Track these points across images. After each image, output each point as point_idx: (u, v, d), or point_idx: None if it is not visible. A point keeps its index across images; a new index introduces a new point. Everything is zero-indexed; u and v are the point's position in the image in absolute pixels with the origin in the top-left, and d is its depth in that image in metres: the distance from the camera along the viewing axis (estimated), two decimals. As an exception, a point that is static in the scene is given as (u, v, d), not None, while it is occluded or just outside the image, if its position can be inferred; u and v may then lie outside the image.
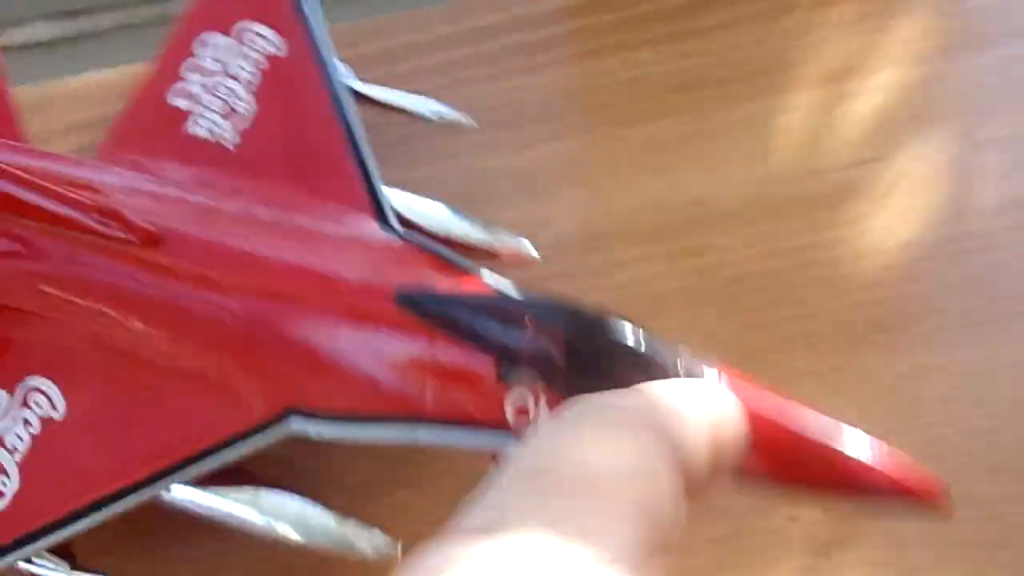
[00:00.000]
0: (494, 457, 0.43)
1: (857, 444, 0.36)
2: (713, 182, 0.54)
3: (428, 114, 0.53)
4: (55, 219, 0.45)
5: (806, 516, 0.44)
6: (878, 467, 0.36)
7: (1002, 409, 0.46)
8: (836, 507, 0.39)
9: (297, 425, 0.42)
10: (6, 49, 0.58)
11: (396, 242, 0.45)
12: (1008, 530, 0.44)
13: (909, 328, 0.49)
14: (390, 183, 0.47)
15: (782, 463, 0.36)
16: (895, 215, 0.52)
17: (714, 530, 0.45)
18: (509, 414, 0.39)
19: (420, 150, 0.54)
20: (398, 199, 0.47)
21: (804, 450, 0.36)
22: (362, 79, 0.52)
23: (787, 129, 0.55)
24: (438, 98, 0.53)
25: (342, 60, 0.52)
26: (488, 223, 0.47)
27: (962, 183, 0.53)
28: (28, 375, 0.45)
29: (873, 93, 0.56)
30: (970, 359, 0.48)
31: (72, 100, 0.59)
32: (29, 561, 0.42)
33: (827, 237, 0.52)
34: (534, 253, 0.47)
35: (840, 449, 0.36)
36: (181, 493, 0.42)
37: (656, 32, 0.60)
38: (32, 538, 0.42)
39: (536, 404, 0.39)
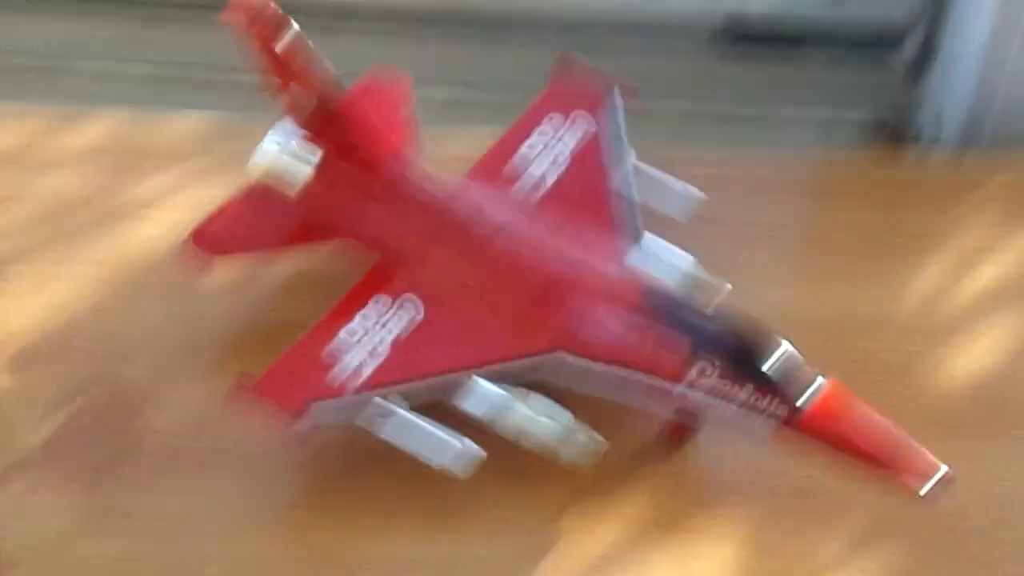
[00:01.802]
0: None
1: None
2: (854, 300, 0.76)
3: (679, 191, 0.75)
4: (440, 210, 0.71)
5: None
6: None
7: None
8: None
9: (563, 358, 0.65)
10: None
11: (634, 268, 0.68)
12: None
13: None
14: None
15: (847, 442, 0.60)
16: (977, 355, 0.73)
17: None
18: (692, 377, 0.63)
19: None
20: (652, 239, 0.70)
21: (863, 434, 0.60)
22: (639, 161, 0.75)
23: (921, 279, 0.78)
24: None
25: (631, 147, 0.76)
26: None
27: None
28: (407, 292, 0.68)
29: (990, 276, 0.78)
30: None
31: (453, 142, 0.82)
32: (385, 398, 0.64)
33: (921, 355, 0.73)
34: (728, 287, 0.68)
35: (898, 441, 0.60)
36: (481, 384, 0.64)
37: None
38: (392, 384, 0.65)
39: (710, 375, 0.62)
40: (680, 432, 0.68)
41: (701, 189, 0.76)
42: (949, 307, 0.76)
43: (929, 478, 0.60)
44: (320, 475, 0.68)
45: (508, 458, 0.65)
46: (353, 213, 0.73)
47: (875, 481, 0.61)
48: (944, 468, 0.60)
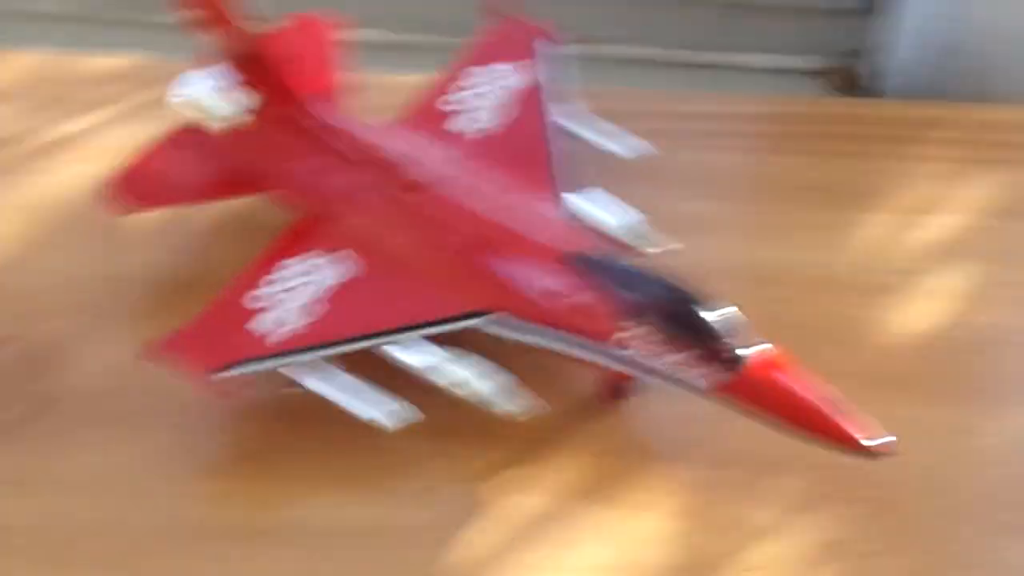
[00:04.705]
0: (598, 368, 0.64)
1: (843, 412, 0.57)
2: (795, 254, 0.75)
3: (616, 147, 0.74)
4: (366, 159, 0.68)
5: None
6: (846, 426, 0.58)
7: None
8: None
9: (495, 319, 0.63)
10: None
11: (568, 221, 0.66)
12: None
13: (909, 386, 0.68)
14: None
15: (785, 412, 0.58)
16: (919, 313, 0.72)
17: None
18: (624, 338, 0.60)
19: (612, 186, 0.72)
20: (594, 193, 0.68)
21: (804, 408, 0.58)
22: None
23: (864, 232, 0.76)
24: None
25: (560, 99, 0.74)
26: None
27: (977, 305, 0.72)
28: (333, 247, 0.65)
29: (937, 228, 0.76)
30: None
31: (388, 88, 0.79)
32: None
33: (862, 313, 0.71)
34: (678, 245, 0.67)
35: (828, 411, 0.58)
36: (410, 347, 0.62)
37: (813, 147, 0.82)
38: (318, 344, 0.62)
39: (642, 336, 0.60)
40: (616, 389, 0.66)
41: (644, 137, 0.75)
42: (891, 262, 0.75)
43: (869, 444, 0.58)
44: (241, 436, 0.66)
45: (438, 419, 0.63)
46: (279, 161, 0.70)
47: (814, 446, 0.59)
48: (886, 438, 0.58)
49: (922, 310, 0.72)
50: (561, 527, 0.62)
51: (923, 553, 0.61)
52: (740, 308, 0.61)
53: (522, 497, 0.63)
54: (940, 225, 0.77)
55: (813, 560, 0.61)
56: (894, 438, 0.58)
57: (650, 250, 0.68)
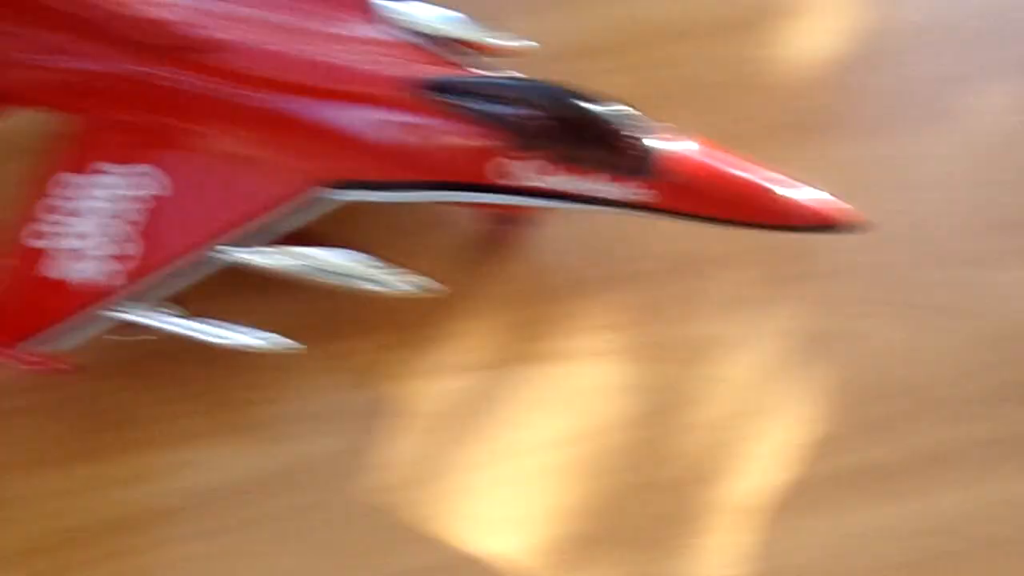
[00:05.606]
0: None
1: (789, 188, 0.48)
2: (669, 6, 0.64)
3: None
4: (135, 29, 0.52)
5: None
6: (807, 204, 0.48)
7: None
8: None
9: (329, 194, 0.51)
10: None
11: (399, 40, 0.53)
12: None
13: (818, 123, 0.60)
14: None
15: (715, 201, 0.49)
16: (814, 36, 0.63)
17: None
18: (502, 171, 0.49)
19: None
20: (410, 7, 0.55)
21: (735, 190, 0.49)
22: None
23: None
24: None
25: None
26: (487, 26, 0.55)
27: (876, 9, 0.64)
28: (125, 161, 0.52)
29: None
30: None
31: None
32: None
33: (738, 53, 0.62)
34: (534, 44, 0.54)
35: (772, 190, 0.48)
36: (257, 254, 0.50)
37: None
38: (146, 276, 0.50)
39: (522, 168, 0.49)
40: (505, 229, 0.55)
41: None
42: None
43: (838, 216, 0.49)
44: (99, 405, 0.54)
45: (307, 324, 0.53)
46: (24, 52, 0.54)
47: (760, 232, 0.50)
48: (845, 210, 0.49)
49: (801, 35, 0.63)
50: (498, 407, 0.53)
51: (910, 304, 0.55)
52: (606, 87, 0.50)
53: (440, 386, 0.53)
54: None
55: (799, 350, 0.54)
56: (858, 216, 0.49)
57: (501, 44, 0.55)
